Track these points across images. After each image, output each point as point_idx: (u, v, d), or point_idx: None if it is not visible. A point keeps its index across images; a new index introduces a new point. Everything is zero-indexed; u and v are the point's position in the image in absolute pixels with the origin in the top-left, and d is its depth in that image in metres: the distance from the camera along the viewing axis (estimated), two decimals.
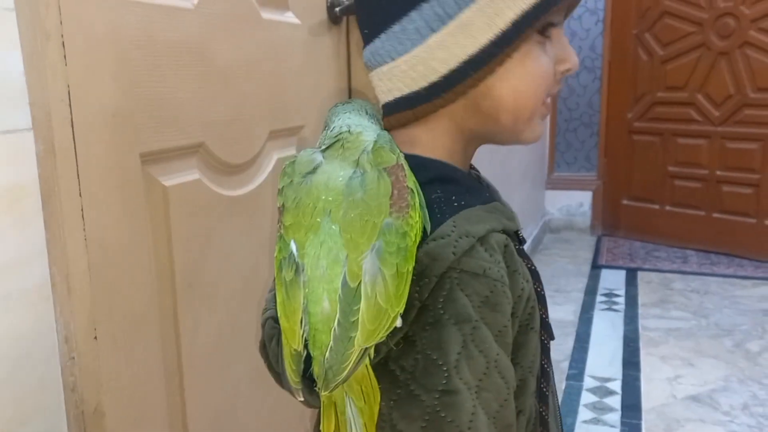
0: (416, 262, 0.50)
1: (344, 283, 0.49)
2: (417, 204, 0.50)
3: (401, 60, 0.59)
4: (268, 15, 1.09)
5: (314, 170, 0.53)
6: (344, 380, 0.50)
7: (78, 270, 0.61)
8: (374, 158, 0.52)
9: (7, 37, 0.53)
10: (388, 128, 0.63)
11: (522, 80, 0.58)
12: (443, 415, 0.50)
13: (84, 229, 0.62)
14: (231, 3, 0.99)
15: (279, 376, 0.62)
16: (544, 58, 0.59)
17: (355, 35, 1.37)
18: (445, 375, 0.50)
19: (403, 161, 0.52)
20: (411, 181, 0.51)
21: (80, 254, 0.62)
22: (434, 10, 0.57)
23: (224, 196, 1.00)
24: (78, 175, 0.61)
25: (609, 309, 2.80)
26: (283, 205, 0.54)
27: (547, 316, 0.62)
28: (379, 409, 0.53)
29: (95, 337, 0.63)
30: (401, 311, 0.50)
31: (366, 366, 0.52)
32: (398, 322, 0.50)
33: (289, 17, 1.17)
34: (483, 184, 0.68)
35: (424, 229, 0.51)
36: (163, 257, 0.87)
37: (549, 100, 0.63)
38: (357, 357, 0.49)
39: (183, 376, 0.92)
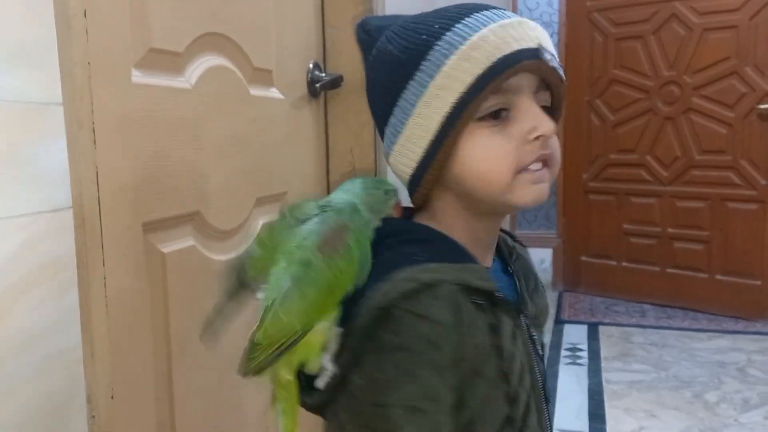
0: (364, 297, 0.62)
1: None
2: (351, 257, 0.62)
3: (390, 156, 0.73)
4: (255, 92, 1.17)
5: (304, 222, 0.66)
6: (253, 371, 0.63)
7: (100, 334, 0.66)
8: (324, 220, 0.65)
9: (58, 128, 0.60)
10: (417, 204, 0.74)
11: (477, 162, 0.67)
12: (374, 426, 0.62)
13: (105, 296, 0.68)
14: (224, 82, 1.07)
15: None
16: (497, 139, 0.66)
17: (332, 108, 1.46)
18: (383, 392, 0.61)
19: (350, 225, 0.64)
20: (354, 241, 0.63)
21: (102, 320, 0.67)
22: (393, 126, 0.70)
23: (215, 261, 1.06)
24: (102, 247, 0.67)
25: (573, 363, 2.88)
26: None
27: (510, 371, 0.67)
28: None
29: (112, 397, 0.68)
30: (304, 327, 0.61)
31: (290, 380, 0.65)
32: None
33: (274, 93, 1.25)
34: (460, 248, 0.71)
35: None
36: (160, 322, 0.92)
37: (538, 166, 0.68)
38: (262, 354, 0.62)
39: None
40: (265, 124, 1.20)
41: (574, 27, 3.70)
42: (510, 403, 0.67)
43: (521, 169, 0.67)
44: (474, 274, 0.66)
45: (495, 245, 0.77)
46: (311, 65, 1.38)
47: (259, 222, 1.20)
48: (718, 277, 3.41)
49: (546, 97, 0.70)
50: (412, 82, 0.67)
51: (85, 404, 0.63)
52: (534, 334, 0.74)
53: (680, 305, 3.54)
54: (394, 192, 0.72)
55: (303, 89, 1.36)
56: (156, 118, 0.89)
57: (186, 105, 0.97)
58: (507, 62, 0.64)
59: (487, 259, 0.75)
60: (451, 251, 0.68)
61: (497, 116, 0.66)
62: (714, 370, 2.73)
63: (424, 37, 0.66)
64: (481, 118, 0.66)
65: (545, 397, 0.75)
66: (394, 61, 0.68)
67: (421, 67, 0.66)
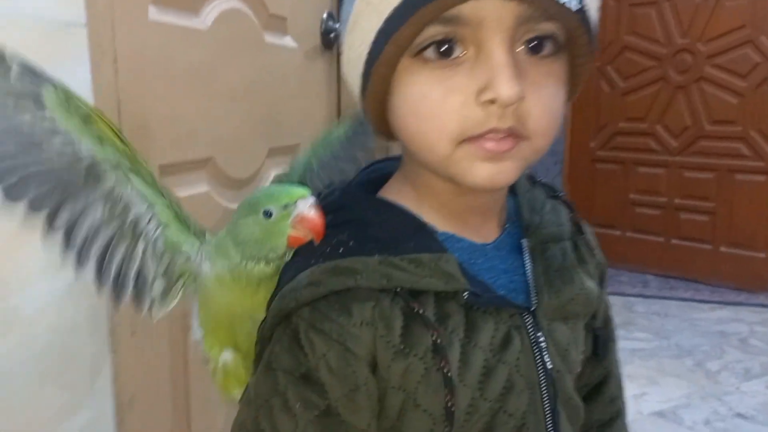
0: (273, 299, 0.51)
1: None
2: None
3: None
4: (270, 39, 1.15)
5: None
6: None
7: None
8: None
9: (79, 52, 0.58)
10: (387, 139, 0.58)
11: (410, 118, 0.48)
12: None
13: None
14: (239, 26, 1.05)
15: None
16: (436, 89, 0.46)
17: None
18: (258, 412, 0.49)
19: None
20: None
21: None
22: (342, 37, 0.53)
23: (229, 210, 1.04)
24: None
25: None
26: None
27: (453, 405, 0.48)
28: None
29: (133, 333, 0.67)
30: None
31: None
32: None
33: (288, 41, 1.23)
34: (417, 227, 0.52)
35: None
36: None
37: (497, 135, 0.46)
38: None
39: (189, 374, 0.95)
40: (278, 72, 1.18)
41: None
42: None
43: (466, 139, 0.46)
44: (421, 270, 0.48)
45: (501, 210, 0.57)
46: (325, 15, 1.35)
47: (272, 173, 1.19)
48: (722, 249, 3.40)
49: (547, 27, 0.46)
50: None
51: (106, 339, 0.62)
52: (542, 338, 0.53)
53: (683, 276, 3.54)
54: (286, 209, 0.51)
55: (316, 39, 1.33)
56: (171, 58, 0.87)
57: (200, 47, 0.94)
58: None
59: (486, 232, 0.56)
60: (397, 234, 0.50)
61: (446, 53, 0.45)
62: (715, 340, 2.74)
63: None
64: (421, 53, 0.46)
65: (555, 413, 0.54)
66: None
67: None
